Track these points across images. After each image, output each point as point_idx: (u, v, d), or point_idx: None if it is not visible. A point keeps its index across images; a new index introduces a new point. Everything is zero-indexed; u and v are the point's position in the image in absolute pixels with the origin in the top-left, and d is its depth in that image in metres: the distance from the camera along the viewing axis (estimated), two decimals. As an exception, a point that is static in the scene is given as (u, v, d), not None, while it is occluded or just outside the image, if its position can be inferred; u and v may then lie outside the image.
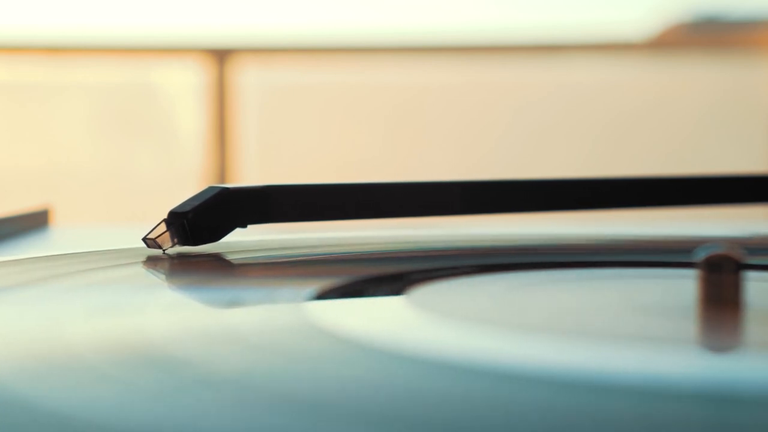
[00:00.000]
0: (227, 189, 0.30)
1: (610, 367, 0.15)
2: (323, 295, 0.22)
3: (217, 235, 0.30)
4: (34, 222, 0.42)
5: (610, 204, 0.37)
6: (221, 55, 1.53)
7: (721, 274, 0.20)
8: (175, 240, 0.29)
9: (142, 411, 0.13)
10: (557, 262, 0.27)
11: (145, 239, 0.29)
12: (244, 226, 0.31)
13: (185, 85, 1.55)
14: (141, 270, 0.26)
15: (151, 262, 0.28)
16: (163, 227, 0.29)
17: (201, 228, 0.30)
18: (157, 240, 0.29)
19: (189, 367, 0.15)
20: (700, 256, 0.20)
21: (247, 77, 1.53)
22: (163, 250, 0.29)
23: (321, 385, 0.14)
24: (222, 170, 1.52)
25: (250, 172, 1.51)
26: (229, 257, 0.29)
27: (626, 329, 0.19)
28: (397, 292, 0.23)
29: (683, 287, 0.23)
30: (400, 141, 1.57)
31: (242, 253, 0.30)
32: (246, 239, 0.33)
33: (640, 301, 0.22)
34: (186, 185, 1.44)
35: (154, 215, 0.32)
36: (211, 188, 0.30)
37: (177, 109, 1.56)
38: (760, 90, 1.56)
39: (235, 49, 1.54)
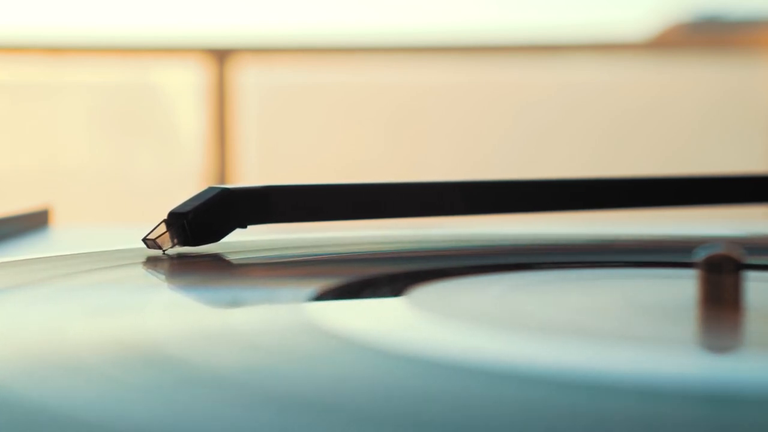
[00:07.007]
0: (227, 189, 0.30)
1: (610, 367, 0.15)
2: (323, 296, 0.22)
3: (217, 235, 0.30)
4: (34, 222, 0.42)
5: (610, 204, 0.37)
6: (221, 55, 1.53)
7: (721, 274, 0.20)
8: (175, 240, 0.29)
9: (142, 411, 0.13)
10: (557, 262, 0.27)
11: (145, 240, 0.29)
12: (244, 226, 0.31)
13: (185, 85, 1.55)
14: (141, 270, 0.26)
15: (151, 262, 0.28)
16: (163, 228, 0.29)
17: (201, 228, 0.30)
18: (157, 240, 0.29)
19: (189, 367, 0.15)
20: (700, 256, 0.20)
21: (247, 77, 1.53)
22: (163, 251, 0.29)
23: (321, 385, 0.14)
24: (222, 170, 1.52)
25: (250, 173, 1.51)
26: (230, 257, 0.29)
27: (626, 329, 0.19)
28: (397, 292, 0.23)
29: (683, 287, 0.23)
30: (401, 141, 1.57)
31: (242, 254, 0.30)
32: (246, 239, 0.33)
33: (640, 301, 0.22)
34: (186, 185, 1.44)
35: (154, 215, 0.32)
36: (211, 188, 0.30)
37: (177, 109, 1.56)
38: (760, 90, 1.56)
39: (235, 49, 1.54)
